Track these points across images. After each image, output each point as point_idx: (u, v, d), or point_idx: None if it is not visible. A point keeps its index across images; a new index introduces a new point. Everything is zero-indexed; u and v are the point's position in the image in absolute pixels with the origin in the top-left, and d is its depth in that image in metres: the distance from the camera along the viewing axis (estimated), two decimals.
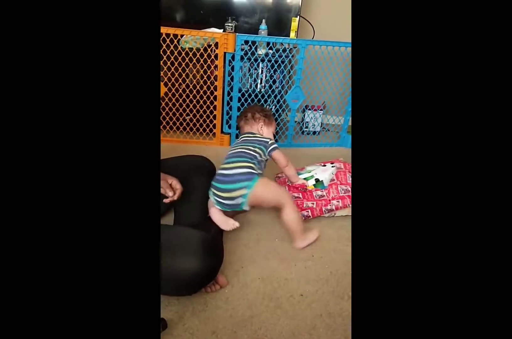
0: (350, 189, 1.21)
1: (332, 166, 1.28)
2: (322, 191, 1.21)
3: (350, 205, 1.19)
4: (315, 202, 1.17)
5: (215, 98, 1.80)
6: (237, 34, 1.70)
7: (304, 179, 1.25)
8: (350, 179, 1.24)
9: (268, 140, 1.16)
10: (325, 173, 1.25)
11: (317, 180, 1.23)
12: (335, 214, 1.23)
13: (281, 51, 1.81)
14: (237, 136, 1.94)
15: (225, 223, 0.99)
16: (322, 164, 1.32)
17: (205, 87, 1.78)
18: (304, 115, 2.24)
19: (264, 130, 1.23)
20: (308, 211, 1.17)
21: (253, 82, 1.99)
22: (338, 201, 1.20)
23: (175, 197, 0.92)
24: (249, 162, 1.04)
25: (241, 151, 1.09)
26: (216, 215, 1.00)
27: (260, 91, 1.98)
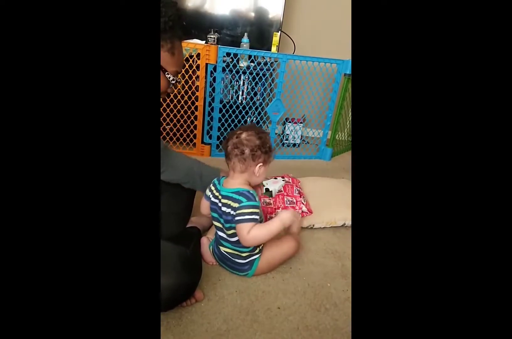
0: (295, 200, 1.27)
1: (283, 180, 1.36)
2: (270, 199, 1.27)
3: None
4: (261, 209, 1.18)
5: (196, 108, 1.80)
6: (219, 46, 1.72)
7: None
8: (296, 192, 1.31)
9: (236, 206, 0.84)
10: (275, 185, 1.32)
11: (267, 190, 1.30)
12: (313, 225, 1.24)
13: (262, 64, 1.84)
14: (217, 147, 1.93)
15: (211, 257, 0.99)
16: (274, 177, 1.38)
17: (186, 97, 1.78)
18: (284, 128, 2.27)
19: (261, 170, 0.88)
20: None
21: (234, 94, 2.01)
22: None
23: None
24: (235, 249, 0.92)
25: (220, 236, 0.93)
26: (205, 247, 1.00)
27: (241, 103, 2.00)
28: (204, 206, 0.97)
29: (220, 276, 0.94)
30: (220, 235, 0.93)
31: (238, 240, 0.89)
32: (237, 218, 0.83)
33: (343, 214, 1.25)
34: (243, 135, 0.86)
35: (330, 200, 1.32)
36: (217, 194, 0.90)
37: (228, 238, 0.91)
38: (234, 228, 0.87)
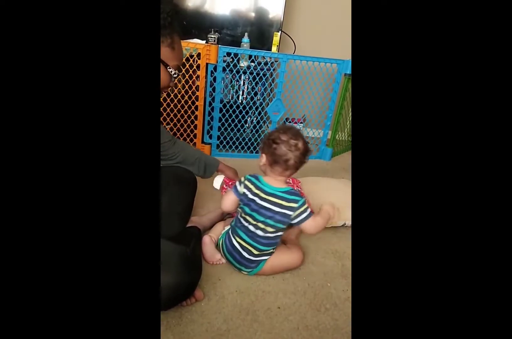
0: None
1: None
2: None
3: None
4: None
5: (196, 108, 1.80)
6: (219, 45, 1.72)
7: None
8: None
9: (295, 206, 0.89)
10: None
11: None
12: None
13: (262, 64, 1.84)
14: (217, 146, 1.93)
15: (212, 256, 0.99)
16: None
17: (186, 97, 1.78)
18: None
19: None
20: None
21: (234, 94, 2.01)
22: None
23: None
24: (250, 244, 0.93)
25: (243, 226, 0.94)
26: (207, 246, 1.00)
27: (241, 103, 2.00)
28: (232, 202, 0.95)
29: (220, 276, 0.94)
30: (243, 225, 0.93)
31: (262, 236, 0.91)
32: (302, 215, 0.89)
33: (343, 214, 1.26)
34: (300, 145, 0.88)
35: (330, 200, 1.32)
36: (257, 191, 0.91)
37: (254, 230, 0.91)
38: (269, 224, 0.90)
